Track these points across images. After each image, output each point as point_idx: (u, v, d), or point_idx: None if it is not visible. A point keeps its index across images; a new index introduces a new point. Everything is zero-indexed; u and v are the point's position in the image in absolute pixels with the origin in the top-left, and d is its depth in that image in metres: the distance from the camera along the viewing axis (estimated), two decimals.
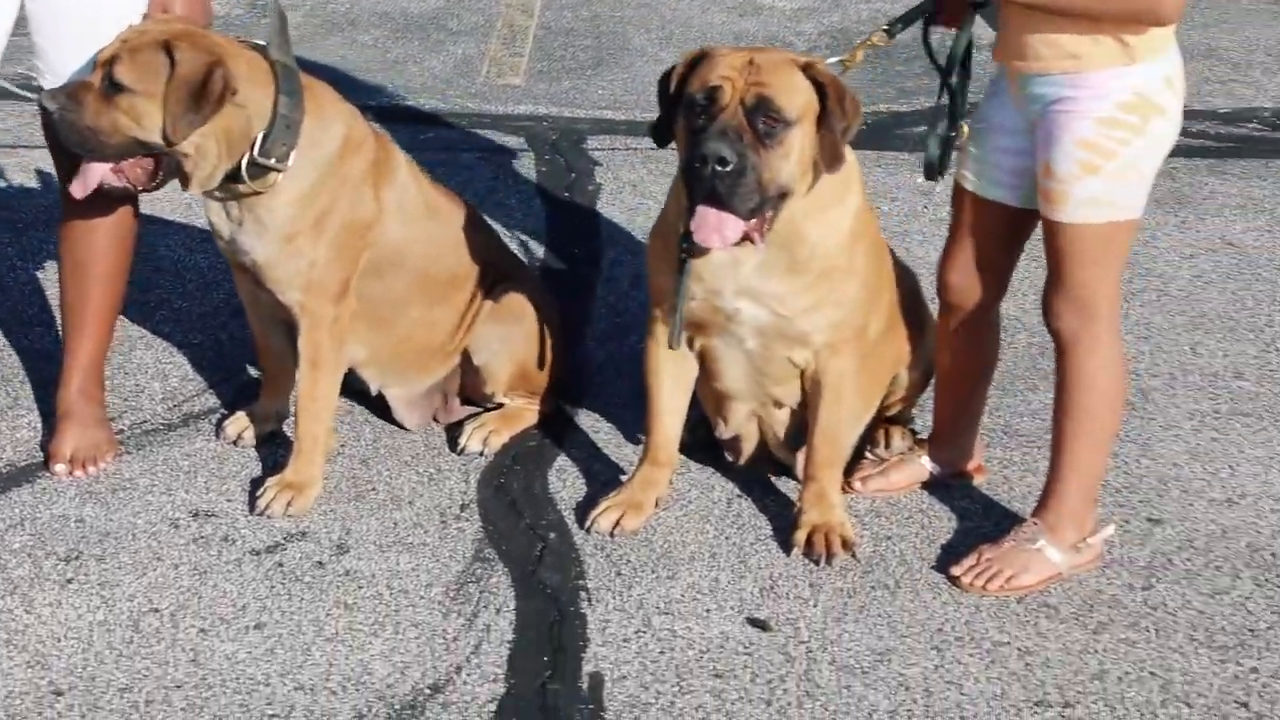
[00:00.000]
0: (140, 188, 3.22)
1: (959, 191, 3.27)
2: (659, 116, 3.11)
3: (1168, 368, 4.16)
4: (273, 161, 3.22)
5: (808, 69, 3.00)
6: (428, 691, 2.91)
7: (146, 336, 4.16)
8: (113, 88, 3.10)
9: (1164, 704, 2.90)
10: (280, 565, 3.26)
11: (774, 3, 7.28)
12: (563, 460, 3.68)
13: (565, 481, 3.60)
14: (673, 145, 3.12)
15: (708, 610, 3.15)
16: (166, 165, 3.19)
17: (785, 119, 2.95)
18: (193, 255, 4.53)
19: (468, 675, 2.95)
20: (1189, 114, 5.99)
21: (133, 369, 4.00)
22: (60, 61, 3.30)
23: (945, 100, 3.21)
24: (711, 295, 3.15)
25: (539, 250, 4.75)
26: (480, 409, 3.78)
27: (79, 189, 3.19)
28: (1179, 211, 5.14)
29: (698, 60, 3.03)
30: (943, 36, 3.22)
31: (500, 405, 3.75)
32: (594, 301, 4.42)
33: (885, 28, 3.18)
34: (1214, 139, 5.80)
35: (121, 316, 4.19)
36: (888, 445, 3.61)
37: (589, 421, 3.83)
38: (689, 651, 3.03)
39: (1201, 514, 3.51)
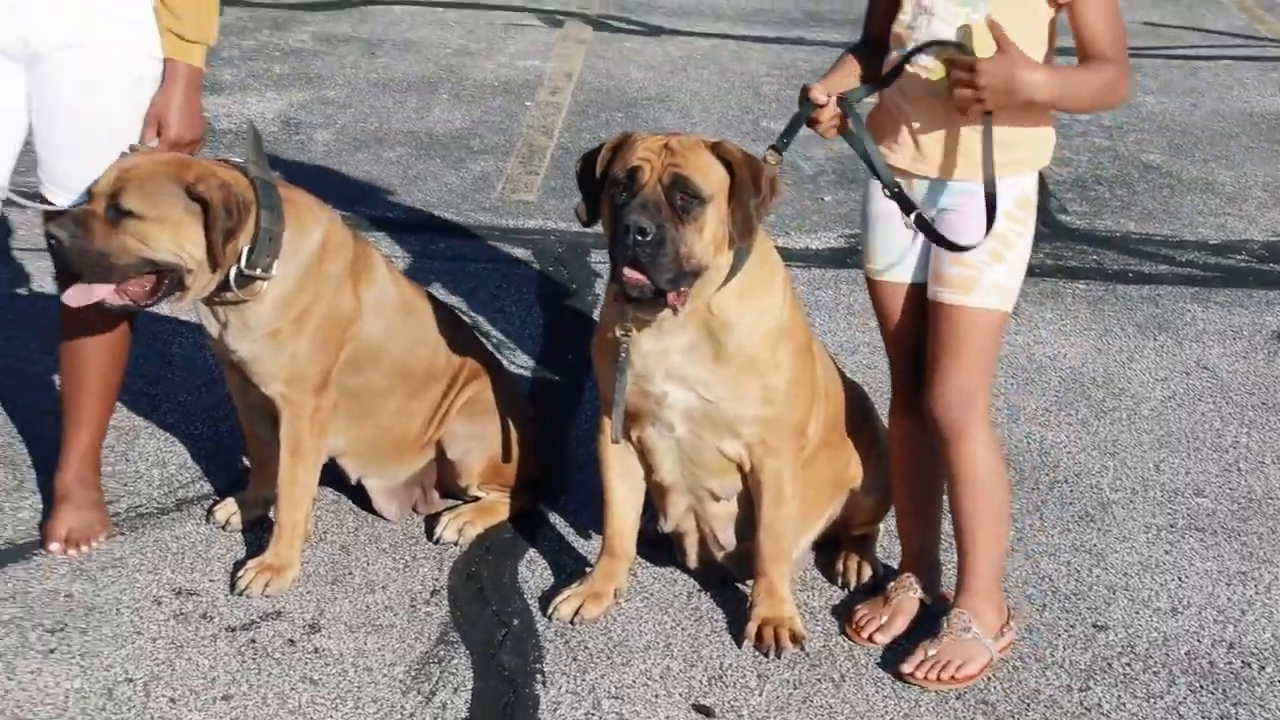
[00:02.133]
0: (140, 305, 3.38)
1: (875, 288, 3.42)
2: (584, 198, 3.29)
3: (1130, 483, 4.26)
4: (258, 272, 3.41)
5: (717, 148, 3.19)
6: None
7: (151, 427, 4.34)
8: (119, 214, 3.27)
9: None
10: (253, 641, 3.39)
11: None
12: (533, 553, 3.81)
13: (534, 572, 3.73)
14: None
15: (656, 696, 3.26)
16: (170, 281, 3.36)
17: (700, 195, 3.13)
18: (201, 353, 4.72)
19: None
20: (1180, 244, 6.19)
21: (135, 456, 4.18)
22: (60, 172, 3.49)
23: None
24: (642, 380, 3.31)
25: (534, 354, 4.92)
26: (459, 501, 3.93)
27: (74, 299, 3.35)
28: (1158, 336, 5.26)
29: (620, 144, 3.22)
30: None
31: (477, 498, 3.89)
32: (580, 404, 4.58)
33: (772, 145, 3.29)
34: (1201, 268, 5.94)
35: (129, 408, 4.41)
36: (859, 579, 3.69)
37: (563, 517, 3.97)
38: None
39: (1146, 622, 3.60)
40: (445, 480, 3.87)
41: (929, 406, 3.31)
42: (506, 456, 3.84)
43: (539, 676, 3.31)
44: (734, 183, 3.18)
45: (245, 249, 3.39)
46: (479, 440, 3.80)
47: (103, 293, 3.32)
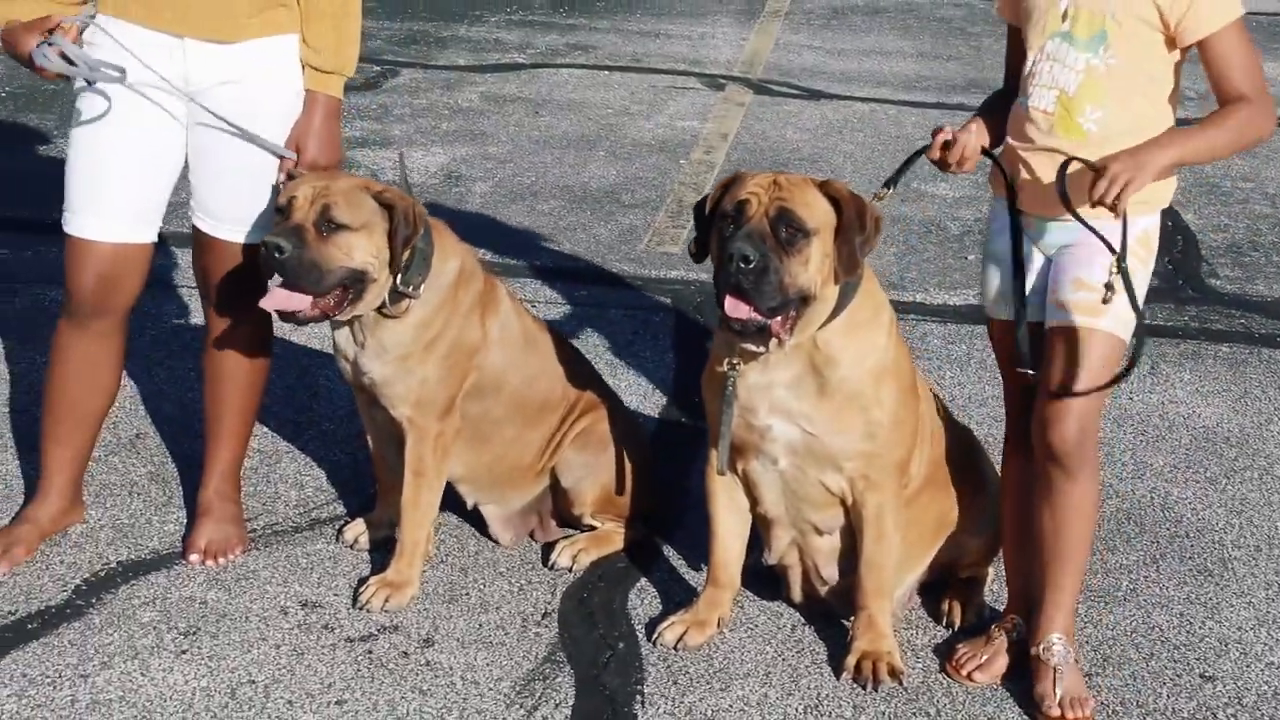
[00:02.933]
0: (328, 315, 3.56)
1: (993, 327, 3.49)
2: (696, 235, 3.41)
3: (1254, 540, 4.22)
4: (410, 289, 3.61)
5: (825, 187, 3.31)
6: None
7: (293, 451, 4.57)
8: (330, 227, 3.49)
9: None
10: (370, 652, 3.56)
11: (935, 190, 7.56)
12: (645, 582, 3.92)
13: (644, 600, 3.84)
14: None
15: None
16: (354, 293, 3.56)
17: (804, 228, 3.24)
18: (346, 385, 4.94)
19: None
20: None
21: (275, 478, 4.40)
22: (210, 200, 3.74)
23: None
24: (747, 413, 3.41)
25: (664, 396, 5.05)
26: (576, 530, 4.06)
27: (274, 303, 3.53)
28: None
29: (730, 182, 3.35)
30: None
31: (593, 527, 4.03)
32: (702, 445, 4.67)
33: (884, 186, 3.46)
34: None
35: (275, 433, 4.64)
36: (963, 620, 3.74)
37: (678, 550, 4.07)
38: None
39: (1257, 675, 3.57)
40: (560, 508, 4.01)
41: (1047, 436, 3.31)
42: (619, 488, 3.96)
43: (639, 697, 3.42)
44: (840, 220, 3.28)
45: (401, 267, 3.58)
46: (591, 470, 3.94)
47: (302, 304, 3.51)
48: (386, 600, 3.73)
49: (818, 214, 3.27)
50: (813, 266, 3.26)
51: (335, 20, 3.71)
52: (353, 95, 9.21)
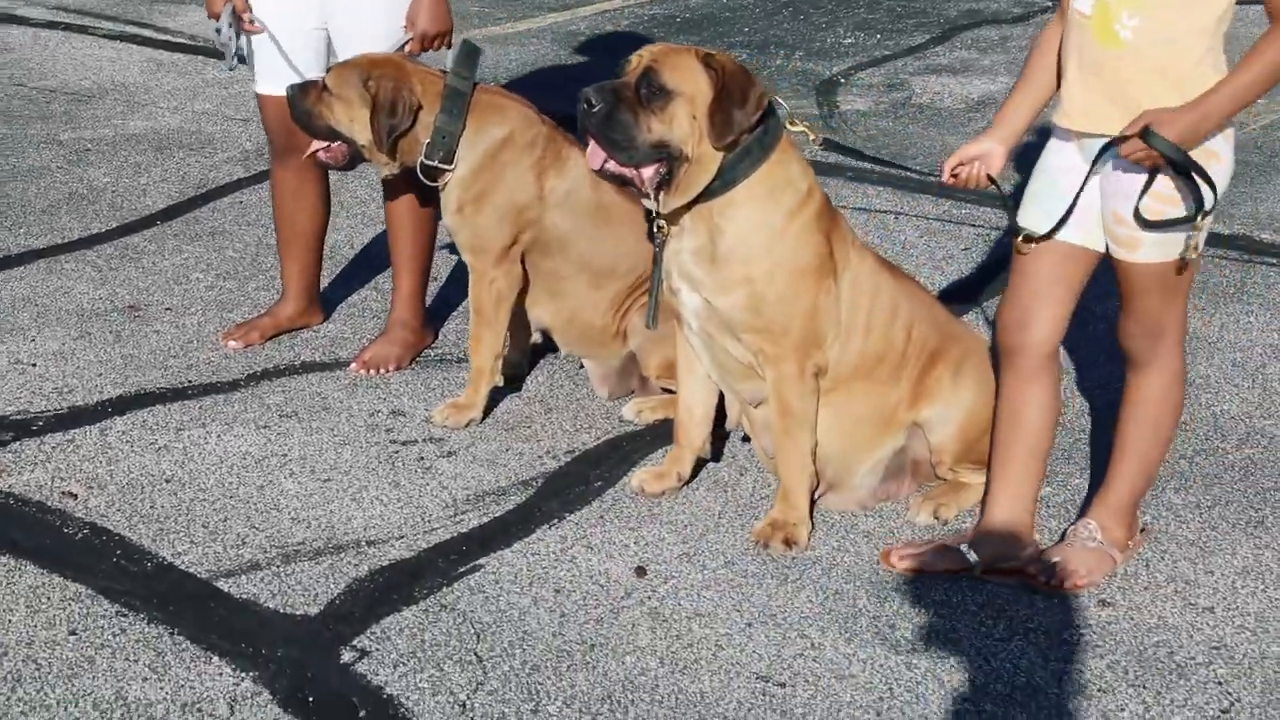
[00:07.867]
0: (336, 165, 4.43)
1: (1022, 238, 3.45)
2: None
3: None
4: (436, 163, 4.27)
5: (709, 58, 3.51)
6: (364, 545, 3.73)
7: None
8: (326, 90, 4.32)
9: None
10: (396, 453, 4.22)
11: None
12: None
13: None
14: None
15: (620, 554, 3.73)
16: (354, 152, 4.36)
17: (664, 87, 3.49)
18: None
19: (394, 544, 3.75)
20: None
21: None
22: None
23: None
24: (667, 276, 3.72)
25: None
26: (665, 394, 4.42)
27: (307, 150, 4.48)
28: None
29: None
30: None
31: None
32: None
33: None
34: None
35: None
36: (919, 513, 3.82)
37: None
38: (570, 571, 3.62)
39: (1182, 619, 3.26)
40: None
41: (1119, 337, 3.48)
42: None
43: (569, 515, 3.87)
44: (722, 90, 3.47)
45: (425, 143, 4.26)
46: (653, 340, 4.33)
47: (315, 146, 4.40)
48: (446, 418, 4.38)
49: (685, 77, 3.52)
50: (677, 127, 3.51)
51: None
52: (986, 27, 9.44)
